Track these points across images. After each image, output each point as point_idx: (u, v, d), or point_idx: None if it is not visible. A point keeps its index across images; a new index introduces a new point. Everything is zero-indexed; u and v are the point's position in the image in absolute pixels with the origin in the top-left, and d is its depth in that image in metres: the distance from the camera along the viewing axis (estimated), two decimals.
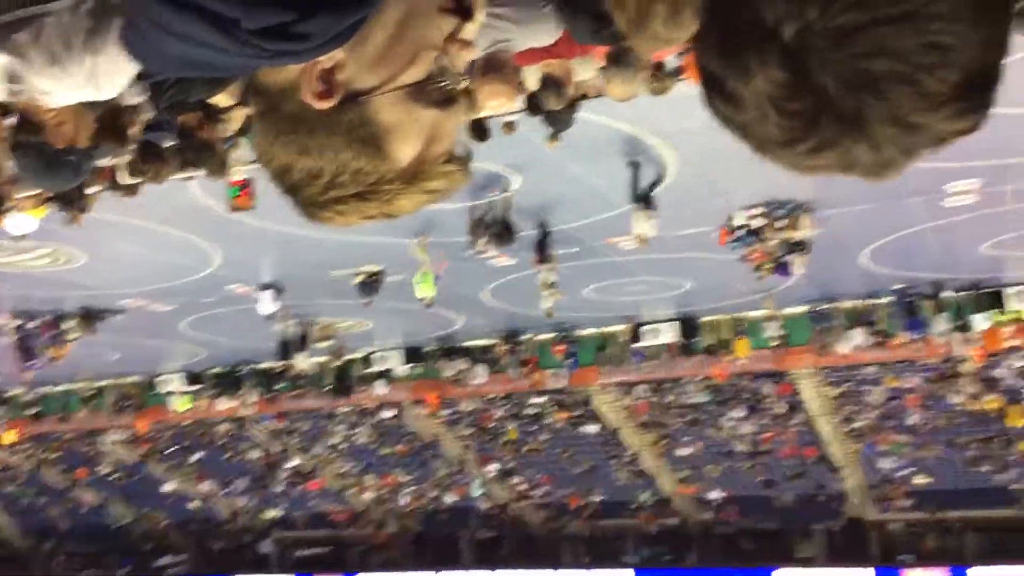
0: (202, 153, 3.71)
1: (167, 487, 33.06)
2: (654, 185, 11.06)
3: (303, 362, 18.48)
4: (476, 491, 30.27)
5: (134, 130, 3.71)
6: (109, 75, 1.32)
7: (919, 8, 0.82)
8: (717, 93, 0.93)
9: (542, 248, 13.05)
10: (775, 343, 19.79)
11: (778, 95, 0.87)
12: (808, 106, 0.87)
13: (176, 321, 18.05)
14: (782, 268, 13.46)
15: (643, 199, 11.01)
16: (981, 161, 11.17)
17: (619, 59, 4.06)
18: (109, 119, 3.54)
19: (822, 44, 0.84)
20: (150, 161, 3.71)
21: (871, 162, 0.91)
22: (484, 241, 11.75)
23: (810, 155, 0.91)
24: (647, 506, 29.59)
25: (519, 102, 6.31)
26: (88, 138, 3.40)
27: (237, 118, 3.86)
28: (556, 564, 31.42)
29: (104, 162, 4.87)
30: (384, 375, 23.30)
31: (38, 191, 4.00)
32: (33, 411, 26.33)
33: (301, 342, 18.08)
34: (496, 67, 3.28)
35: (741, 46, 0.88)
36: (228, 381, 23.74)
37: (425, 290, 13.07)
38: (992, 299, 18.13)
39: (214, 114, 3.62)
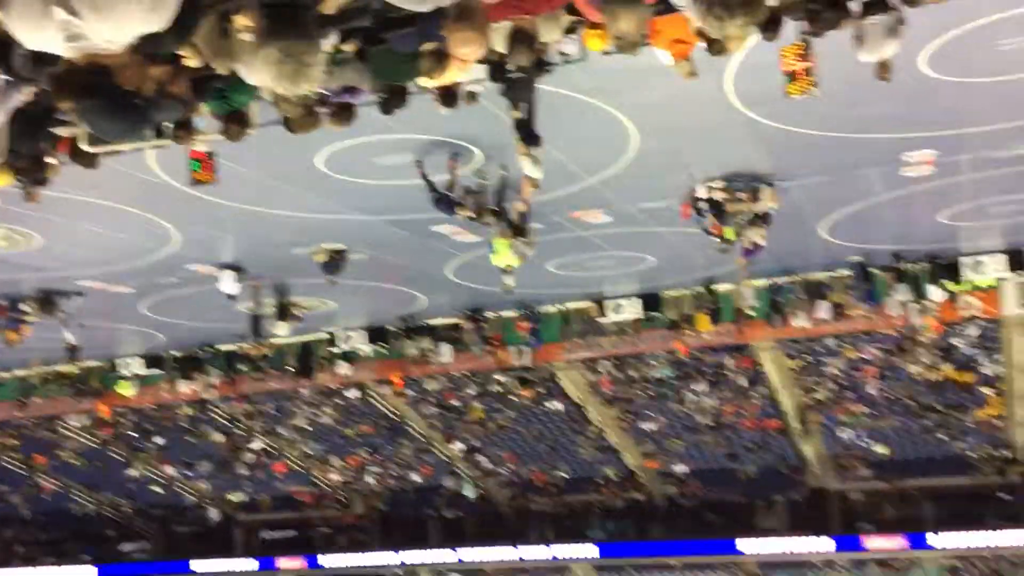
0: (172, 111, 3.59)
1: (130, 472, 32.74)
2: (530, 121, 9.04)
3: (283, 329, 18.01)
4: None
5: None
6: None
7: None
8: None
9: (515, 222, 12.49)
10: (752, 314, 19.82)
11: None
12: None
13: (136, 303, 17.85)
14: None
15: (526, 136, 9.19)
16: (937, 132, 11.32)
17: None
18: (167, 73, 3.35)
19: None
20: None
21: None
22: (470, 214, 11.26)
23: None
24: (612, 481, 29.80)
25: (481, 71, 6.29)
26: (152, 87, 3.22)
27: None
28: (522, 541, 31.55)
29: (62, 131, 4.79)
30: (348, 355, 23.22)
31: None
32: None
33: (280, 313, 17.71)
34: (468, 15, 3.28)
35: None
36: (189, 364, 23.52)
37: (503, 258, 11.73)
38: (948, 270, 18.42)
39: (184, 68, 3.52)
